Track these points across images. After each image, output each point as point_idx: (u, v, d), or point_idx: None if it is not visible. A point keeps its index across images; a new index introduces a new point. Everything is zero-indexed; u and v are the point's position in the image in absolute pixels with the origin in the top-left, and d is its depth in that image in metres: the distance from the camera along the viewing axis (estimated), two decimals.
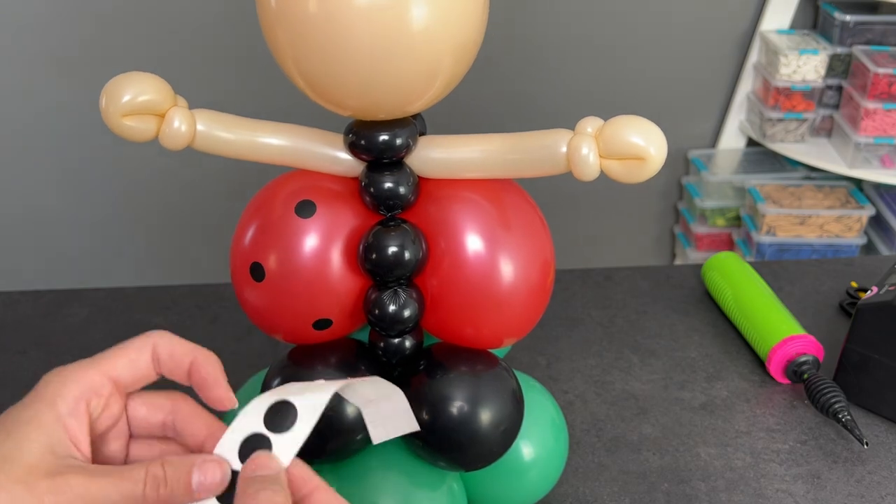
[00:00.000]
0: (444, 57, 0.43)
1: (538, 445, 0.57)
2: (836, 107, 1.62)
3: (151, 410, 0.39)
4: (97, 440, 0.36)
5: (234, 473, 0.36)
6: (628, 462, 0.67)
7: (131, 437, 0.39)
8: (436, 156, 0.49)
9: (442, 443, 0.51)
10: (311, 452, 0.53)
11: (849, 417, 0.67)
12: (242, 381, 0.60)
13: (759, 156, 1.74)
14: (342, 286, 0.50)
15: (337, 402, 0.51)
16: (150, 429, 0.39)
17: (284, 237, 0.49)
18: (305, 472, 0.36)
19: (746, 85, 1.69)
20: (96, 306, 0.85)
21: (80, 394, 0.35)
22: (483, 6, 0.45)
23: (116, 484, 0.32)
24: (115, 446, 0.38)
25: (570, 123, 0.47)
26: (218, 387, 0.38)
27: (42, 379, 0.35)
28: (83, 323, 0.82)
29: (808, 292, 0.87)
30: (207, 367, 0.38)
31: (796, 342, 0.73)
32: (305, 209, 0.49)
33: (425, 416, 0.51)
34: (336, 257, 0.50)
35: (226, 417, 0.40)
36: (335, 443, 0.52)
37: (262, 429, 0.37)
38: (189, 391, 0.40)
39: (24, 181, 1.71)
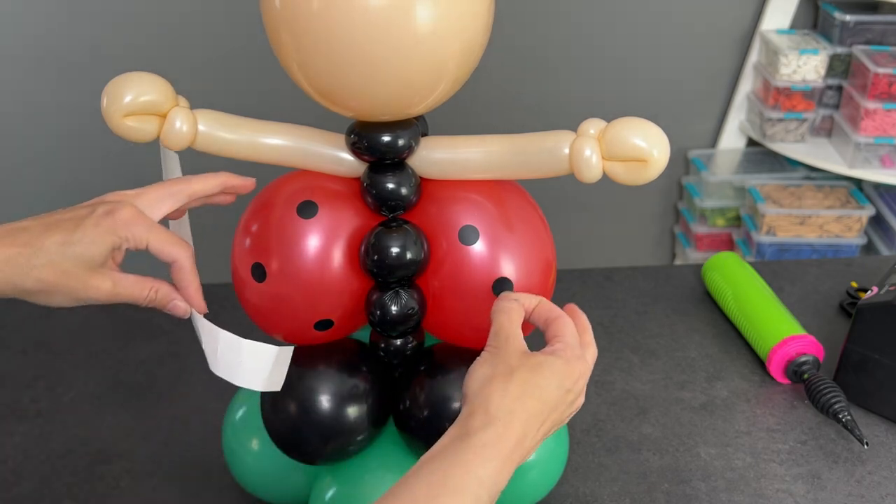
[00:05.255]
0: (449, 60, 0.43)
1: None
2: (836, 107, 1.62)
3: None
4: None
5: None
6: (628, 462, 0.67)
7: None
8: (438, 157, 0.49)
9: None
10: (311, 453, 0.53)
11: (849, 417, 0.67)
12: None
13: (759, 156, 1.74)
14: (343, 287, 0.50)
15: (338, 403, 0.51)
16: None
17: (286, 238, 0.49)
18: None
19: (746, 85, 1.69)
20: (96, 306, 0.84)
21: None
22: (488, 9, 0.44)
23: (136, 286, 0.49)
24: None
25: (570, 124, 0.47)
26: (189, 289, 0.50)
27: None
28: (83, 323, 0.82)
29: (808, 292, 0.87)
30: (184, 274, 0.49)
31: (796, 342, 0.73)
32: (307, 210, 0.49)
33: (426, 416, 0.51)
34: (337, 258, 0.50)
35: None
36: (335, 443, 0.52)
37: None
38: None
39: (23, 182, 1.71)
